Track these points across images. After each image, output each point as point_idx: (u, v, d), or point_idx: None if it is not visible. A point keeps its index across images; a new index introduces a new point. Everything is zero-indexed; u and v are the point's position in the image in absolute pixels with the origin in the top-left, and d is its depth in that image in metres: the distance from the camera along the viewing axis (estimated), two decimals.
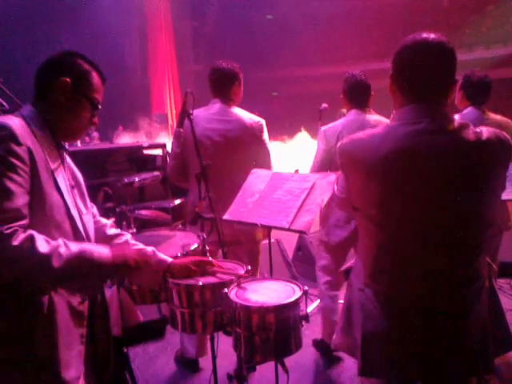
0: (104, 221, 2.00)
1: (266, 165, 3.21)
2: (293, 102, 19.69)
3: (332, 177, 2.46)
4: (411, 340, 1.65)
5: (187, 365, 3.38)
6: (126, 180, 2.22)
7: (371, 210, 1.64)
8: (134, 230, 2.36)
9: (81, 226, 1.68)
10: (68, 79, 1.66)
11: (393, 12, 20.06)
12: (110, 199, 2.40)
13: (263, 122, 3.25)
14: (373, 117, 3.27)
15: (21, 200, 1.44)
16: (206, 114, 3.13)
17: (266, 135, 3.25)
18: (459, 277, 1.64)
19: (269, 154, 3.28)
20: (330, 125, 3.42)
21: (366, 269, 1.74)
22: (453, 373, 1.68)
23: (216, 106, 3.16)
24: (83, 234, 1.69)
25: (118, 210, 2.30)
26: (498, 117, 3.42)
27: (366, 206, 1.67)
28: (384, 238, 1.66)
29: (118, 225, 1.96)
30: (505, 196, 2.43)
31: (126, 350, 2.27)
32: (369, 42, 20.17)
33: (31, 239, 1.41)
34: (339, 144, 1.73)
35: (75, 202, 1.69)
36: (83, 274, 1.54)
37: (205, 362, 3.34)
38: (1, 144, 1.45)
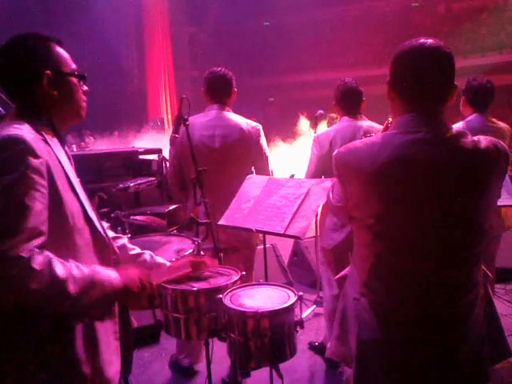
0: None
1: (264, 170, 3.24)
2: (290, 108, 19.74)
3: (327, 183, 2.46)
4: (407, 351, 1.63)
5: (182, 371, 3.37)
6: (120, 185, 2.22)
7: (369, 220, 1.62)
8: (129, 236, 2.36)
9: (100, 229, 1.59)
10: (48, 71, 1.52)
11: (390, 19, 20.18)
12: (105, 204, 2.40)
13: (260, 127, 3.28)
14: (365, 123, 3.28)
15: (38, 216, 1.33)
16: (204, 121, 3.15)
17: (263, 140, 3.28)
18: (457, 286, 1.62)
19: (267, 159, 3.30)
20: (323, 131, 3.47)
21: (361, 278, 1.71)
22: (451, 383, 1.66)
23: (213, 112, 3.17)
24: (104, 236, 1.60)
25: (112, 215, 2.30)
26: (501, 123, 3.44)
27: (364, 215, 1.64)
28: (382, 247, 1.64)
29: (112, 230, 1.94)
30: (499, 202, 2.44)
31: None
32: (366, 49, 20.26)
33: (49, 262, 1.29)
34: (335, 152, 1.70)
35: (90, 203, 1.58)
36: (95, 299, 1.42)
37: (199, 368, 3.33)
38: (18, 159, 1.34)
